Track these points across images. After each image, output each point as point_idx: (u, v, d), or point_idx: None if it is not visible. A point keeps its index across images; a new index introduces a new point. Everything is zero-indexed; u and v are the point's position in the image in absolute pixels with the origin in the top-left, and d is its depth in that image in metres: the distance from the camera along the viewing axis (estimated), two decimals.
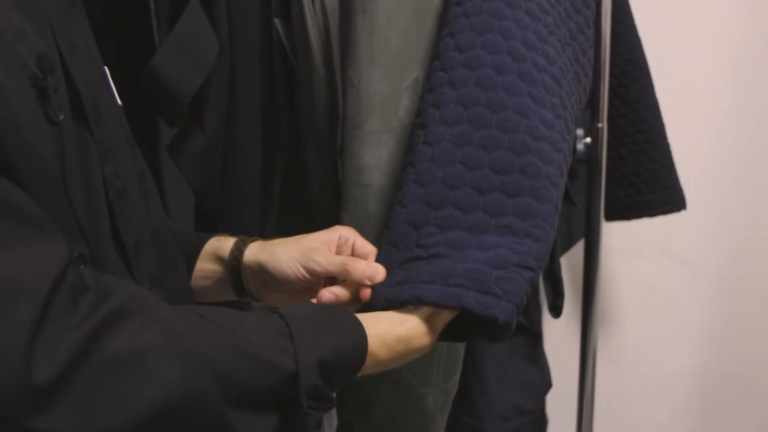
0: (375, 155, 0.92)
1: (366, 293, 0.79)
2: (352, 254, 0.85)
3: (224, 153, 1.10)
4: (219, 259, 0.89)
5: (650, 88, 1.41)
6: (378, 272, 0.80)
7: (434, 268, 0.76)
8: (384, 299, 0.77)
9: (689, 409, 1.77)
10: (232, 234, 0.91)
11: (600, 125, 1.25)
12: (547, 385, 1.22)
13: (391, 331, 0.73)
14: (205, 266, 0.89)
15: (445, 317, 0.76)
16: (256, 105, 1.09)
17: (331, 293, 0.80)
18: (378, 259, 0.82)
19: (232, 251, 0.88)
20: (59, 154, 0.62)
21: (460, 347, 0.97)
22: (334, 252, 0.84)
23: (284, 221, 1.16)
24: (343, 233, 0.85)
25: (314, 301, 0.81)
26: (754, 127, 1.62)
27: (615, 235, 1.44)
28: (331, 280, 0.84)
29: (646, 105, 1.41)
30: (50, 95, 0.62)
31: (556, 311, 1.08)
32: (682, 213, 1.47)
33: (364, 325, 0.71)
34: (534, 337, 1.10)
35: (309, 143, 1.08)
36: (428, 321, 0.75)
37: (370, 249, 0.85)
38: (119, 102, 0.78)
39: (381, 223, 0.90)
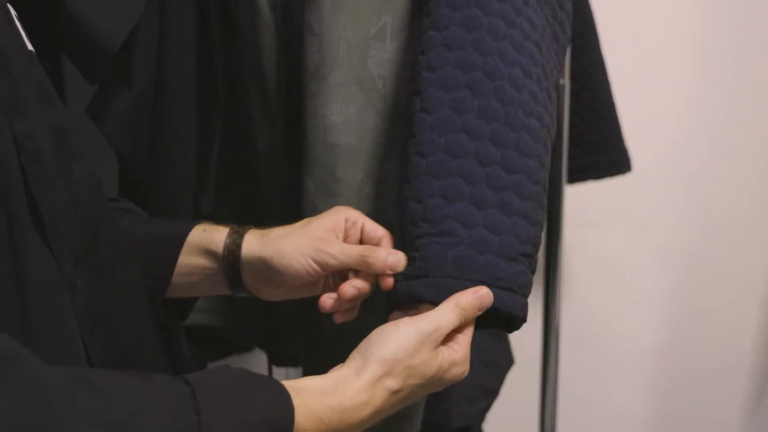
0: (342, 111, 0.82)
1: (388, 282, 0.72)
2: (362, 239, 0.76)
3: (154, 113, 0.96)
4: (210, 253, 0.78)
5: (596, 44, 1.35)
6: (400, 260, 0.73)
7: (454, 259, 0.70)
8: (406, 294, 0.71)
9: (651, 386, 1.72)
10: (219, 222, 0.80)
11: (562, 82, 1.17)
12: (510, 362, 1.16)
13: (322, 400, 0.61)
14: (192, 261, 0.78)
15: None
16: (190, 57, 0.96)
17: (353, 288, 0.73)
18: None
19: (227, 246, 0.77)
20: None
21: None
22: (341, 239, 0.76)
23: (224, 188, 1.04)
24: (350, 215, 0.76)
25: (333, 297, 0.74)
26: (719, 93, 1.58)
27: (569, 203, 1.38)
28: (341, 271, 0.76)
29: (593, 61, 1.34)
30: None
31: None
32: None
33: (290, 392, 0.59)
34: None
35: (253, 100, 0.96)
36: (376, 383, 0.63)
37: (382, 232, 0.77)
38: (30, 47, 0.64)
39: (352, 189, 0.82)
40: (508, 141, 0.74)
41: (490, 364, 1.12)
